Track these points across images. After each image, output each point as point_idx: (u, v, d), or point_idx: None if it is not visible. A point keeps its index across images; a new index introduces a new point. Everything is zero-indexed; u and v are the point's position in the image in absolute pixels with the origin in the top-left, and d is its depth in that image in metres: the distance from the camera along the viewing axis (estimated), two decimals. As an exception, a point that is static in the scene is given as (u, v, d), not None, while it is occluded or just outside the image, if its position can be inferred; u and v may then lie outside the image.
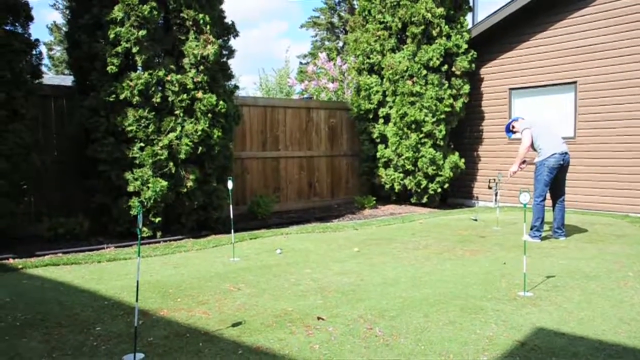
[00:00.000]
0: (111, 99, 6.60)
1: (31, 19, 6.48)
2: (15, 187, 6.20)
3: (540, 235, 6.44)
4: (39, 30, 41.28)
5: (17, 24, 6.37)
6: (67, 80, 13.15)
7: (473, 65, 10.10)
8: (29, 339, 3.34)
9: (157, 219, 6.85)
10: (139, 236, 3.13)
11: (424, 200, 10.17)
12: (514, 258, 5.47)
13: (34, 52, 6.51)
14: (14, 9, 6.22)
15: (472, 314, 3.74)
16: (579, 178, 9.21)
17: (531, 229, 6.47)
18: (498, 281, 4.60)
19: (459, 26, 10.08)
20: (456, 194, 11.10)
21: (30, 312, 3.84)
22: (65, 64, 18.59)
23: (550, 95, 9.66)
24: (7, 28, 6.21)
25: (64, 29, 23.25)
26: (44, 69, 6.76)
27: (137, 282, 3.20)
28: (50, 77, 17.47)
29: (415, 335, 3.36)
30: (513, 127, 6.98)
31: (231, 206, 6.01)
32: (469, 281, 4.62)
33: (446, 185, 10.08)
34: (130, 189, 6.65)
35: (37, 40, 6.53)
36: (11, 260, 5.64)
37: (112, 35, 6.56)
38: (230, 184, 5.78)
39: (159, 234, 6.97)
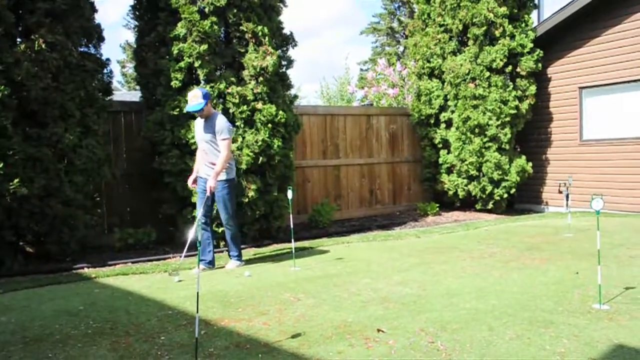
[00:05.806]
0: (175, 113, 6.84)
1: (102, 39, 6.84)
2: (89, 200, 6.54)
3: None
4: (113, 49, 43.77)
5: (90, 45, 6.75)
6: (138, 96, 13.78)
7: (539, 64, 9.67)
8: (98, 347, 3.48)
9: (220, 229, 7.00)
10: (198, 247, 3.20)
11: (490, 206, 9.82)
12: (588, 268, 5.15)
13: (105, 71, 6.86)
14: (88, 31, 6.58)
15: (541, 327, 3.54)
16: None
17: (237, 257, 5.99)
18: (570, 292, 4.34)
19: (523, 25, 9.70)
20: (524, 199, 10.65)
21: (100, 321, 4.01)
22: (135, 80, 19.54)
23: (626, 93, 9.07)
24: (82, 50, 6.58)
25: (134, 47, 24.42)
26: (118, 85, 7.09)
27: (197, 293, 3.27)
28: (122, 94, 18.40)
29: (479, 349, 3.21)
30: (202, 108, 5.50)
31: (291, 215, 6.05)
32: (538, 292, 4.39)
33: (513, 191, 9.69)
34: (195, 199, 6.83)
35: (108, 59, 6.88)
36: (86, 270, 5.96)
37: (175, 51, 6.81)
38: (290, 194, 5.83)
39: (222, 243, 7.11)
